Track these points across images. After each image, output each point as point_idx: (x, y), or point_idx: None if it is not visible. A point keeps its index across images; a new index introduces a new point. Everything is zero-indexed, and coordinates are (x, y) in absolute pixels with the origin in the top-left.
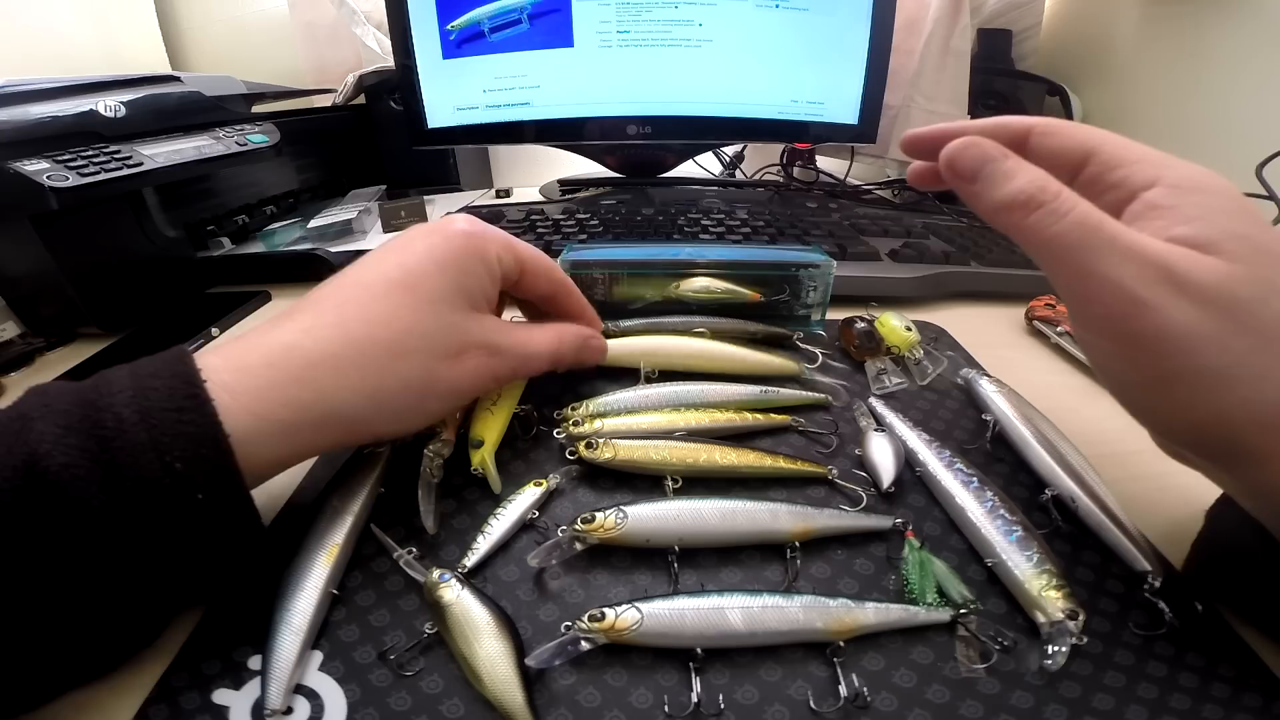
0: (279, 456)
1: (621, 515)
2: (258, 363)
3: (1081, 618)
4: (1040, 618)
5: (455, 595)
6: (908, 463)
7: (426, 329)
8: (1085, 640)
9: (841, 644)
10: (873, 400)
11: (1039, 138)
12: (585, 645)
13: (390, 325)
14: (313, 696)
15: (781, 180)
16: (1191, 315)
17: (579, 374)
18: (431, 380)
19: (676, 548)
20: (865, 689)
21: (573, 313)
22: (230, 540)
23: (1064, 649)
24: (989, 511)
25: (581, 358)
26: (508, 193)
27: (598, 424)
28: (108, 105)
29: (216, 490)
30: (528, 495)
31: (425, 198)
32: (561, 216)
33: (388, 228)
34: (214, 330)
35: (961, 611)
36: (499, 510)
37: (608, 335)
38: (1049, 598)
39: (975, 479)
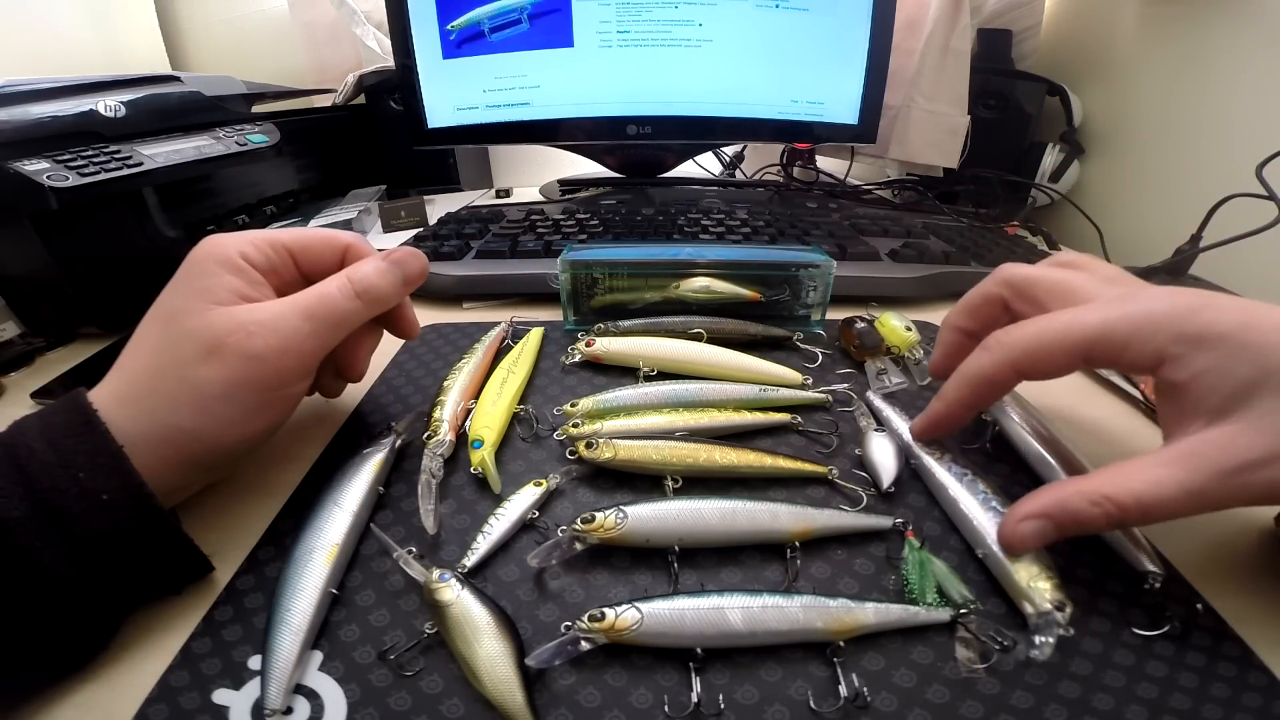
0: (171, 481)
1: (621, 515)
2: (124, 394)
3: (1069, 609)
4: (1028, 608)
5: (455, 595)
6: (904, 454)
7: (168, 345)
8: (1073, 631)
9: (841, 644)
10: (870, 394)
11: (1031, 371)
12: (585, 645)
13: (142, 355)
14: (313, 696)
15: (781, 180)
16: (1242, 481)
17: (579, 375)
18: (200, 384)
19: (676, 548)
20: (865, 689)
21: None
22: (144, 536)
23: (1051, 639)
24: (981, 503)
25: (392, 277)
26: (508, 193)
27: (597, 424)
28: (108, 105)
29: (118, 490)
30: (528, 495)
31: (425, 198)
32: (561, 216)
33: (388, 228)
34: None
35: (961, 611)
36: (499, 510)
37: (607, 335)
38: (1038, 588)
39: (969, 472)
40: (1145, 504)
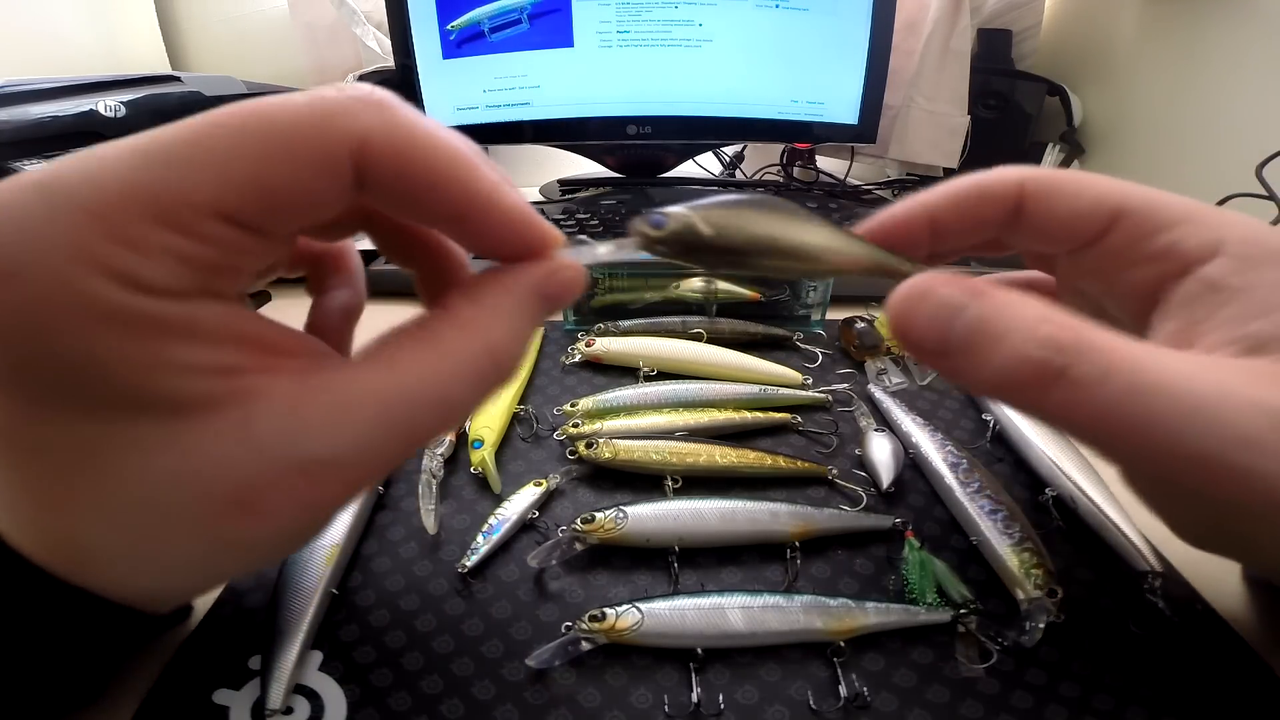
0: None
1: (621, 515)
2: None
3: (1060, 595)
4: (1020, 594)
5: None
6: (902, 444)
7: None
8: (1063, 617)
9: (841, 644)
10: (871, 386)
11: (1036, 202)
12: (585, 645)
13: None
14: (313, 696)
15: (781, 180)
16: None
17: (579, 375)
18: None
19: (676, 548)
20: (865, 689)
21: (504, 239)
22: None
23: (1040, 625)
24: (976, 490)
25: (551, 306)
26: None
27: (597, 424)
28: (108, 105)
29: None
30: (528, 495)
31: None
32: (561, 216)
33: None
34: None
35: (961, 611)
36: (499, 510)
37: (607, 335)
38: (1030, 575)
39: (965, 461)
40: (1160, 387)
